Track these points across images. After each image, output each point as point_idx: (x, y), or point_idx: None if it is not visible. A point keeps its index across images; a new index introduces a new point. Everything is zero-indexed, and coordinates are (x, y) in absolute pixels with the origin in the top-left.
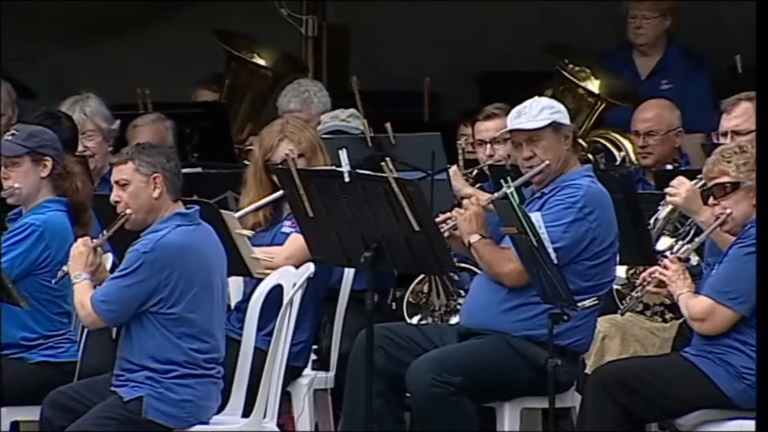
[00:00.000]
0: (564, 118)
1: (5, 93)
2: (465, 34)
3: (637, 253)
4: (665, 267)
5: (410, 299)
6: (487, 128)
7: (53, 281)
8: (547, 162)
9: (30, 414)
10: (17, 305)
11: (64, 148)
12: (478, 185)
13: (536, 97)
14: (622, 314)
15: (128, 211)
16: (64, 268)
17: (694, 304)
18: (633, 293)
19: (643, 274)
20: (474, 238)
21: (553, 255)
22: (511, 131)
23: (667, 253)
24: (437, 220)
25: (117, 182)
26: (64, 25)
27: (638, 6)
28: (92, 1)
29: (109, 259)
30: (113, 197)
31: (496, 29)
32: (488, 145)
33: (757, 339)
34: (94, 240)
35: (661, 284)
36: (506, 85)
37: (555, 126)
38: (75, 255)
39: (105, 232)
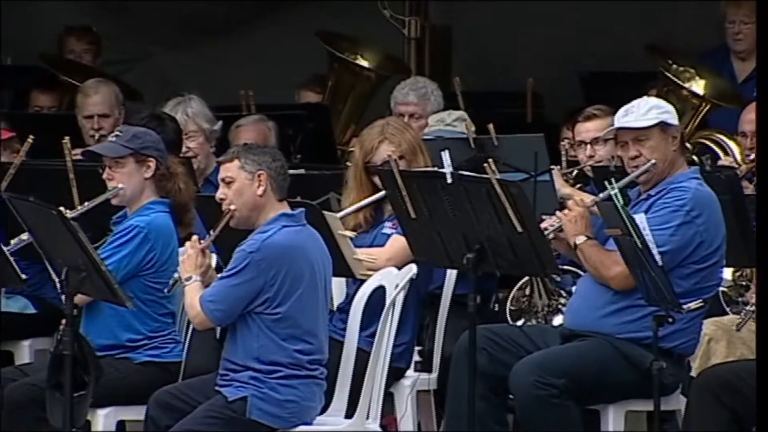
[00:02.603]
0: (672, 118)
1: (113, 95)
2: (567, 34)
3: (743, 256)
4: None
5: (511, 307)
6: (587, 129)
7: (165, 290)
8: (653, 161)
9: (135, 413)
10: (123, 306)
11: (168, 150)
12: (578, 186)
13: (645, 97)
14: (738, 329)
15: (232, 207)
16: (175, 275)
17: None
18: (748, 308)
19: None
20: (580, 240)
21: (657, 257)
22: (618, 130)
23: None
24: (541, 225)
25: (223, 180)
26: (168, 27)
27: (736, 12)
28: (195, 2)
29: (213, 260)
30: (218, 195)
31: (599, 29)
32: (588, 146)
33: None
34: (202, 241)
35: None
36: (609, 86)
37: (663, 126)
38: (185, 258)
39: (212, 231)
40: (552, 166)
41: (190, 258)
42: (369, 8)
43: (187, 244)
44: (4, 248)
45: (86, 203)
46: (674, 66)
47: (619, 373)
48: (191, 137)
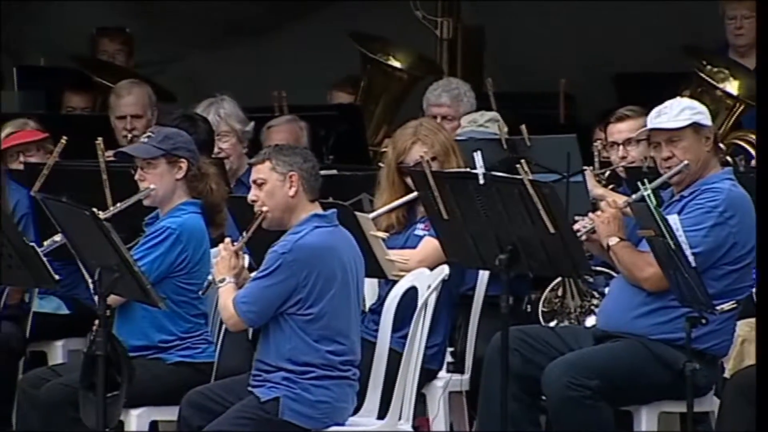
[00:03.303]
0: (705, 119)
1: (146, 95)
2: (600, 34)
3: None
4: None
5: (544, 308)
6: (619, 130)
7: (200, 293)
8: (686, 162)
9: (168, 414)
10: (155, 306)
11: (200, 150)
12: (611, 187)
13: (677, 98)
14: None
15: (264, 209)
16: (209, 278)
17: None
18: None
19: None
20: (613, 241)
21: (690, 258)
22: (651, 131)
23: None
24: (574, 227)
25: (254, 181)
26: (200, 28)
27: (736, 6)
28: (228, 4)
29: (245, 261)
30: (250, 196)
31: (631, 29)
32: (621, 147)
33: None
34: (235, 243)
35: None
36: (642, 86)
37: (695, 127)
38: (218, 260)
39: (244, 233)
40: (585, 167)
41: (224, 260)
42: (401, 9)
43: (220, 246)
44: (38, 249)
45: (119, 204)
46: (708, 66)
47: (652, 375)
48: (223, 138)
